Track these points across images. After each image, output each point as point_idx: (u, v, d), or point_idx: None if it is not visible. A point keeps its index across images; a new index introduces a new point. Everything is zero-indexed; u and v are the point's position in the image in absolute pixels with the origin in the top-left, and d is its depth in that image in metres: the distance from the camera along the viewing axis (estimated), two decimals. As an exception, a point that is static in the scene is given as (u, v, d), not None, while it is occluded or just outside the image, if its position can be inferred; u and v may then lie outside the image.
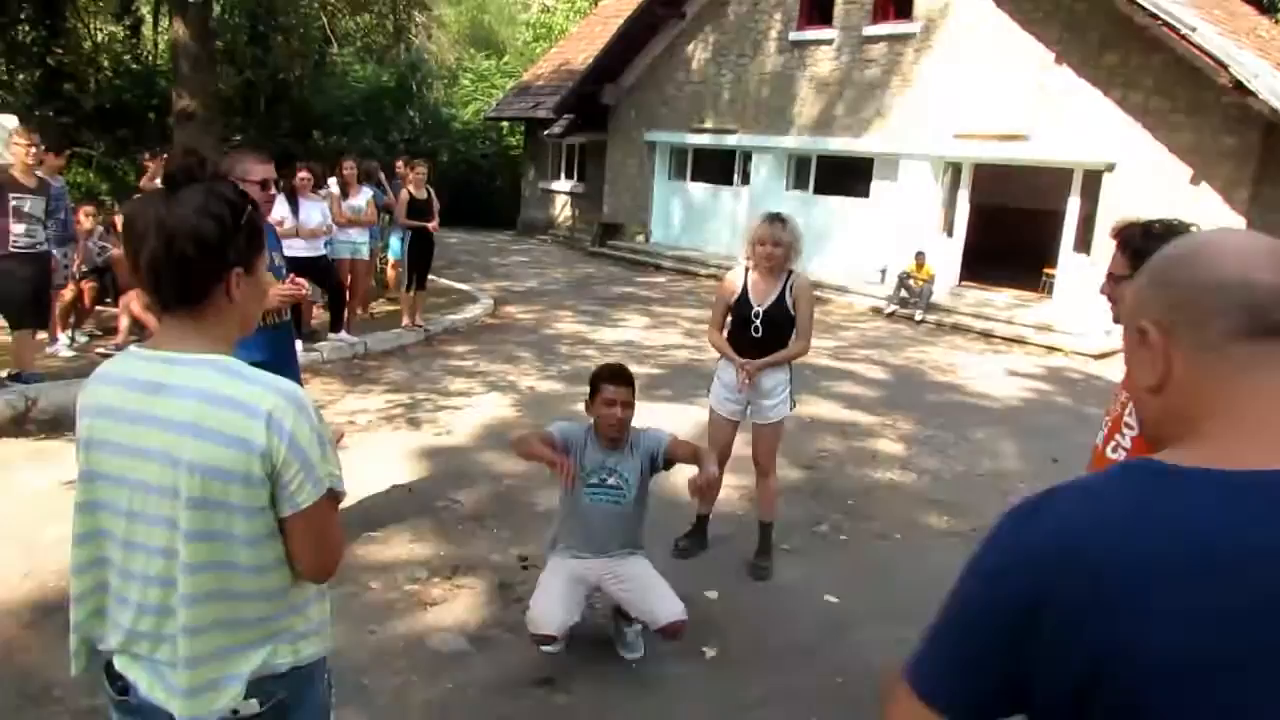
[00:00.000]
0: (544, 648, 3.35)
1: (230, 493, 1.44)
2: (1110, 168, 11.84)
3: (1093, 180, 12.20)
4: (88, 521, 1.54)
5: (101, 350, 7.50)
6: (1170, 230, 2.54)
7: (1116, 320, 2.67)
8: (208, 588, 1.47)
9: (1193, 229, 2.55)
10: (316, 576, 1.60)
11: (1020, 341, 11.78)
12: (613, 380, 3.44)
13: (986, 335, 12.14)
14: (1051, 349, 11.42)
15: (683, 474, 4.30)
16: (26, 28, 15.90)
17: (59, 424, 5.90)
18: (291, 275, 3.93)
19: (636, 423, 3.60)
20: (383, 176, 10.71)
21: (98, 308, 8.33)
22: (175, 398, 1.45)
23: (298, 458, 1.47)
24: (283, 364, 3.88)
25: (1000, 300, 13.33)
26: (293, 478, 1.47)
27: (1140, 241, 2.55)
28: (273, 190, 3.79)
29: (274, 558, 1.52)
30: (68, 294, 7.67)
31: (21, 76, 15.94)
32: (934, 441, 7.07)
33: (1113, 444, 2.66)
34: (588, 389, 3.57)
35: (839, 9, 14.94)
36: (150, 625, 1.51)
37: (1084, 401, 8.80)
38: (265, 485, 1.46)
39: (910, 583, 4.39)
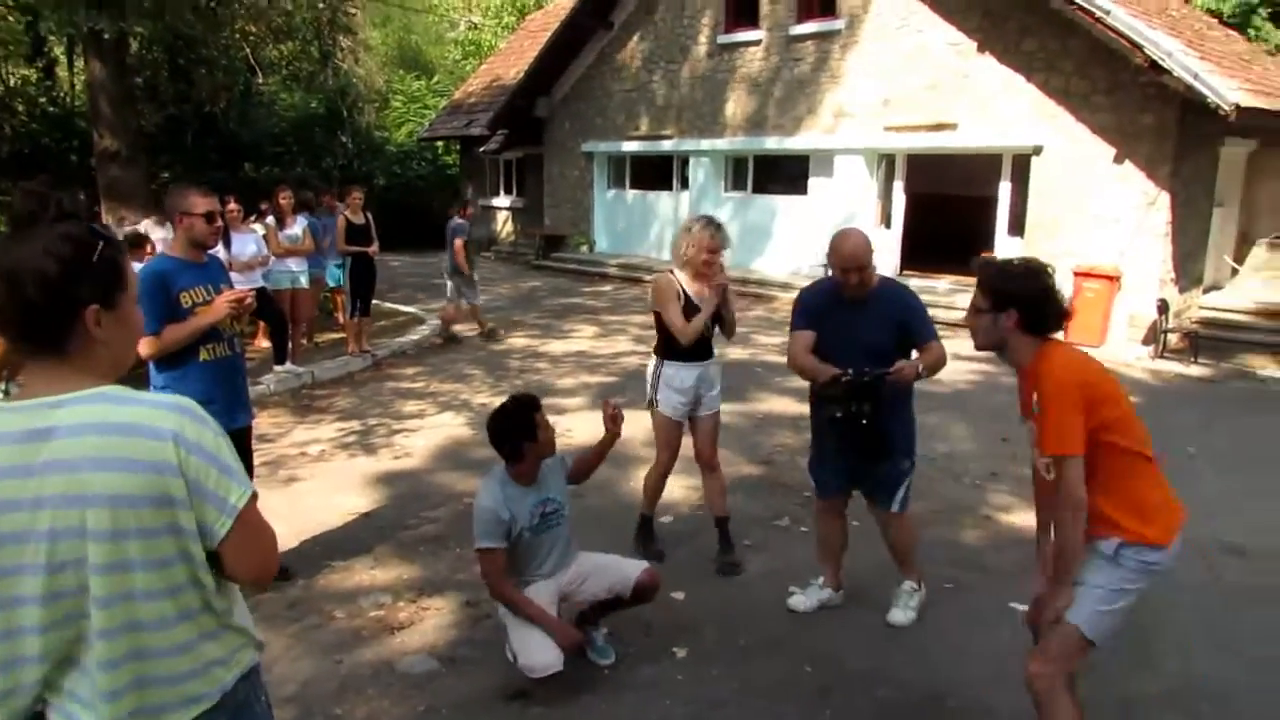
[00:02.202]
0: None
1: (143, 518, 1.41)
2: (1037, 151, 12.14)
3: (1022, 164, 12.50)
4: None
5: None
6: (1029, 270, 2.80)
7: (978, 348, 2.90)
8: (120, 619, 1.44)
9: (1049, 269, 2.80)
10: (261, 578, 1.59)
11: (964, 327, 11.99)
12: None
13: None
14: (993, 330, 11.65)
15: (636, 480, 4.33)
16: (-65, 75, 15.45)
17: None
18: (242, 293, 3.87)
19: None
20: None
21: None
22: (70, 437, 1.41)
23: (214, 464, 1.47)
24: (233, 398, 3.83)
25: (941, 287, 13.57)
26: (216, 484, 1.46)
27: (997, 280, 2.78)
28: (219, 222, 3.78)
29: (192, 605, 1.50)
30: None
31: (-68, 125, 15.48)
32: (886, 428, 7.17)
33: (1044, 464, 2.81)
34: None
35: (764, 10, 15.12)
36: (55, 673, 1.47)
37: (1028, 379, 9.00)
38: (189, 507, 1.44)
39: (870, 567, 4.46)
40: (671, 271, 4.56)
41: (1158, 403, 8.44)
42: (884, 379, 3.60)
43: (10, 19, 17.79)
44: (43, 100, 19.75)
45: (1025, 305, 2.72)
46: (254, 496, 1.53)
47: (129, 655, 1.45)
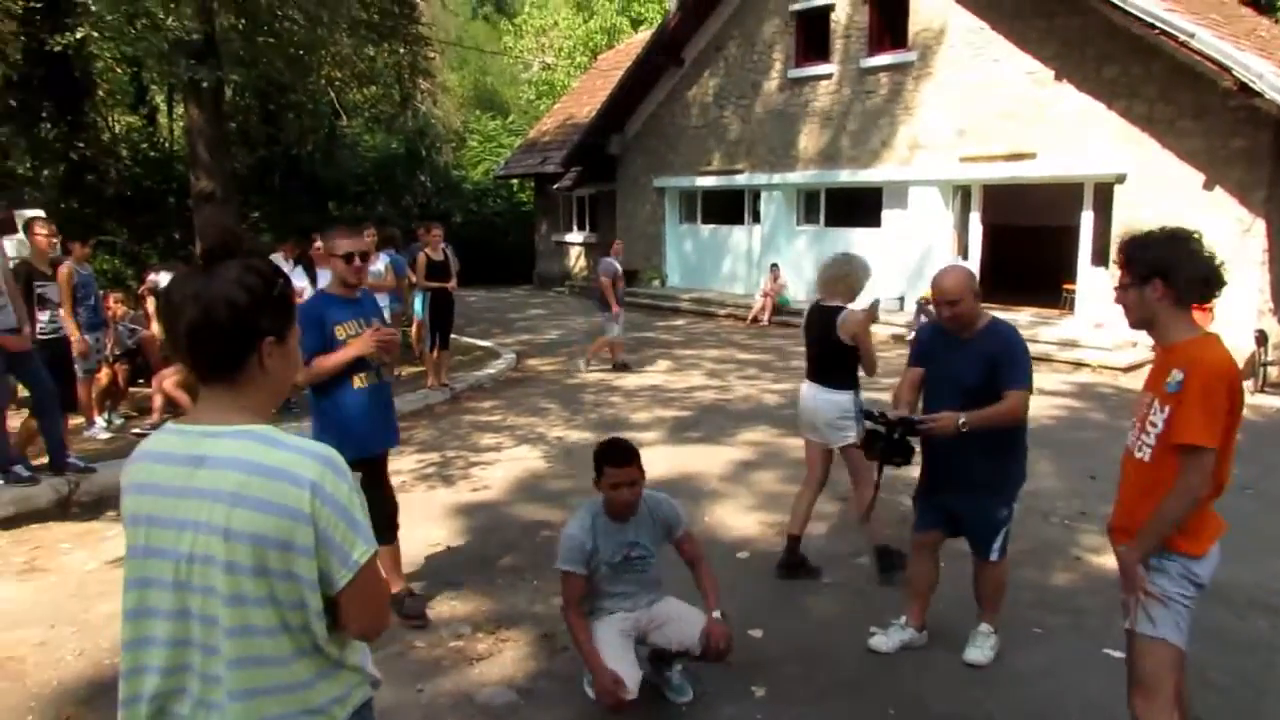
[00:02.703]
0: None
1: (268, 558, 1.47)
2: (1120, 179, 11.84)
3: (1104, 193, 12.20)
4: (136, 597, 1.56)
5: (137, 431, 7.62)
6: (1171, 237, 2.69)
7: (1131, 326, 2.78)
8: (245, 652, 1.50)
9: (1195, 234, 2.67)
10: (370, 633, 1.64)
11: (1045, 359, 11.68)
12: (614, 462, 3.33)
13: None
14: (1078, 365, 11.33)
15: (712, 515, 4.28)
16: (49, 125, 16.36)
17: (101, 505, 6.02)
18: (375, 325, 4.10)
19: (670, 465, 3.61)
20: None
21: (131, 389, 8.48)
22: (218, 469, 1.49)
23: (344, 518, 1.52)
24: (382, 422, 4.14)
25: (1022, 319, 13.25)
26: (344, 537, 1.52)
27: (1137, 251, 2.69)
28: (357, 262, 4.03)
29: (305, 645, 1.55)
30: (102, 377, 7.81)
31: (46, 172, 16.37)
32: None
33: (1139, 444, 2.73)
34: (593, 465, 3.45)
35: (836, 43, 15.14)
36: (173, 684, 1.54)
37: (1118, 416, 8.70)
38: (311, 556, 1.50)
39: (954, 608, 4.34)
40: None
41: (1259, 440, 8.06)
42: (915, 428, 3.68)
43: (118, 70, 18.85)
44: (144, 145, 20.77)
45: (1169, 273, 2.60)
46: (375, 554, 1.58)
47: (255, 690, 1.51)
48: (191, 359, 1.55)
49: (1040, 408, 9.06)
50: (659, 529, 3.47)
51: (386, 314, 9.33)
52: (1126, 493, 2.83)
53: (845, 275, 4.84)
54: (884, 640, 4.08)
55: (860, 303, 4.87)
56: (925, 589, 4.11)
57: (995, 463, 3.76)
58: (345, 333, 3.99)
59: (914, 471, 4.05)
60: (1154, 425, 2.67)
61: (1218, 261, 2.66)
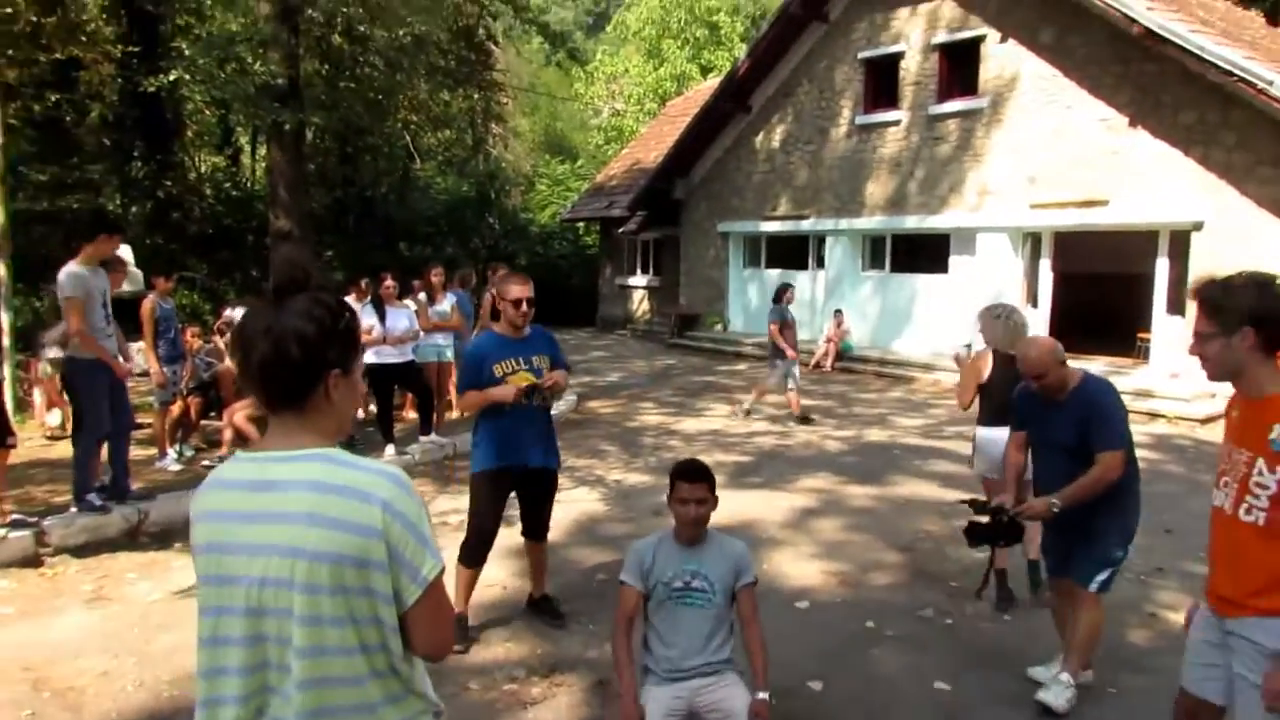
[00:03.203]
0: None
1: (345, 576, 1.50)
2: (1198, 227, 11.53)
3: (1180, 240, 11.89)
4: (210, 625, 1.59)
5: (207, 463, 7.82)
6: (1257, 282, 2.51)
7: (1211, 378, 2.63)
8: (319, 672, 1.51)
9: (1276, 280, 2.49)
10: (437, 652, 1.65)
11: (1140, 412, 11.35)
12: (686, 478, 3.32)
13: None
14: (1154, 415, 10.96)
15: (770, 563, 4.21)
16: (139, 164, 17.17)
17: (169, 536, 6.14)
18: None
19: (730, 511, 3.52)
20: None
21: (203, 422, 8.73)
22: (288, 491, 1.53)
23: (414, 535, 1.55)
24: (531, 442, 4.56)
25: (1094, 368, 12.77)
26: (414, 553, 1.54)
27: (1221, 297, 2.52)
28: (524, 307, 4.47)
29: (380, 666, 1.57)
30: (175, 409, 8.06)
31: (135, 209, 17.14)
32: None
33: (1244, 506, 2.52)
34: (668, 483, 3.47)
35: (905, 90, 15.11)
36: (276, 711, 1.56)
37: (1195, 469, 8.38)
38: (386, 571, 1.52)
39: (1023, 664, 4.19)
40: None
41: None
42: (1006, 515, 3.89)
43: (207, 112, 19.73)
44: (228, 185, 21.64)
45: (1262, 320, 2.43)
46: (443, 570, 1.60)
47: (323, 710, 1.53)
48: (262, 390, 1.60)
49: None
50: (728, 570, 3.32)
51: (449, 353, 9.56)
52: (1228, 558, 2.59)
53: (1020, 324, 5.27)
54: (1045, 671, 4.09)
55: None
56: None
57: (1104, 508, 3.82)
58: (503, 370, 4.47)
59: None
60: (1263, 487, 2.45)
61: None
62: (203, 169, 22.09)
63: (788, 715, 3.81)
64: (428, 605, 1.57)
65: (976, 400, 5.33)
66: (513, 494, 4.74)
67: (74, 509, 6.03)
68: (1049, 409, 3.93)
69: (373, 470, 1.56)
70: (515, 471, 4.57)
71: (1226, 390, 2.73)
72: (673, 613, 3.29)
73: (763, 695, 3.12)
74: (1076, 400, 3.84)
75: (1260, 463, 2.45)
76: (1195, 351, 2.60)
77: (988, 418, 5.19)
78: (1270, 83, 9.87)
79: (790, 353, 10.33)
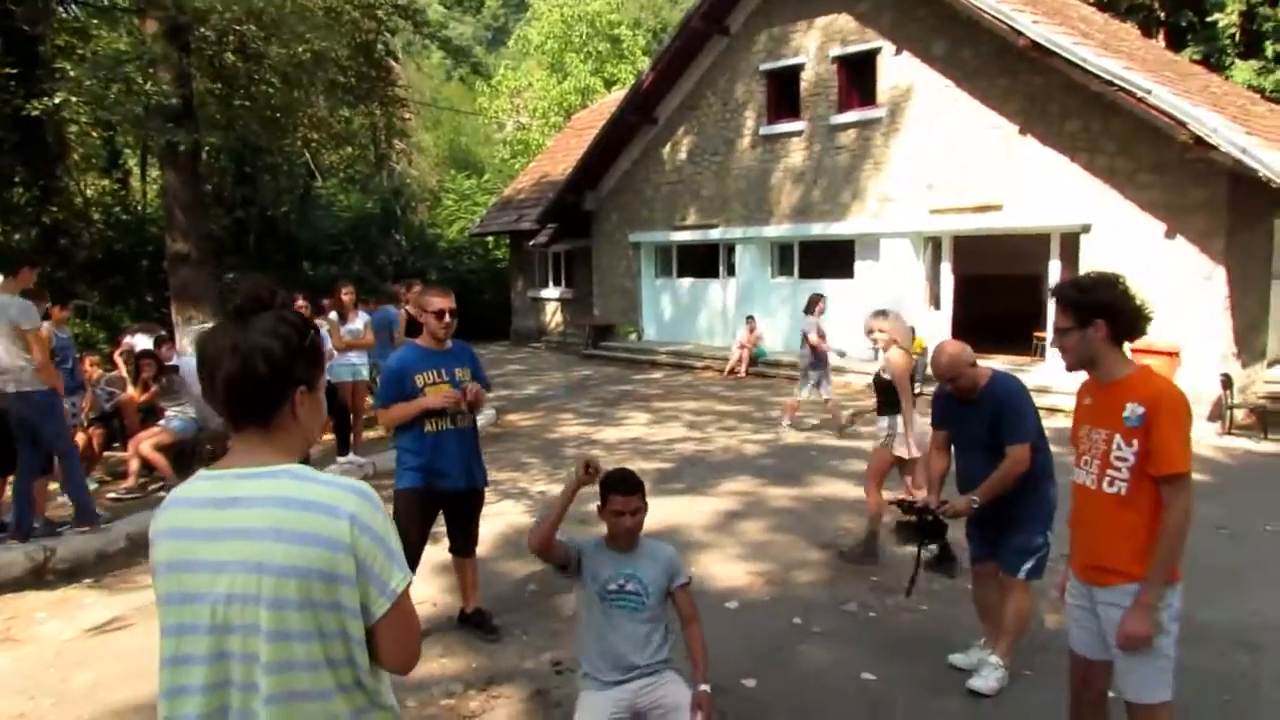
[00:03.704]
0: None
1: (313, 590, 1.50)
2: (1086, 229, 12.15)
3: (1070, 242, 12.50)
4: (172, 645, 1.57)
5: (113, 495, 7.49)
6: (1106, 280, 2.88)
7: (1069, 368, 2.96)
8: (286, 687, 1.51)
9: (1122, 277, 2.86)
10: (405, 665, 1.65)
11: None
12: (620, 490, 3.34)
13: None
14: (1053, 410, 11.45)
15: (699, 564, 4.27)
16: (21, 190, 16.33)
17: (77, 573, 5.90)
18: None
19: (655, 516, 3.56)
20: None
21: (106, 453, 8.36)
22: (252, 507, 1.52)
23: (381, 549, 1.56)
24: (457, 464, 4.52)
25: (995, 366, 13.45)
26: (381, 567, 1.55)
27: (1076, 294, 2.86)
28: (447, 319, 4.45)
29: (346, 680, 1.57)
30: (79, 441, 7.70)
31: (18, 236, 16.30)
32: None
33: (1107, 479, 2.83)
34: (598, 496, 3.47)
35: (806, 101, 15.52)
36: None
37: (1092, 458, 8.83)
38: (354, 585, 1.53)
39: (944, 651, 4.37)
40: None
41: (1231, 480, 8.20)
42: (935, 513, 4.09)
43: (92, 135, 18.90)
44: (117, 209, 20.75)
45: (1111, 313, 2.78)
46: (410, 583, 1.61)
47: None
48: (228, 407, 1.59)
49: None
50: (660, 573, 3.39)
51: (364, 372, 9.40)
52: (1094, 529, 2.89)
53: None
54: (964, 658, 4.29)
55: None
56: (993, 613, 4.27)
57: (1022, 498, 3.99)
58: (424, 380, 4.44)
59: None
60: (1122, 459, 2.76)
61: (1140, 300, 2.84)
62: (90, 193, 21.13)
63: (722, 713, 3.88)
64: (396, 618, 1.58)
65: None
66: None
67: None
68: (964, 408, 4.13)
69: (339, 485, 1.57)
70: (442, 494, 4.56)
71: None
72: (609, 615, 3.33)
73: (704, 687, 3.20)
74: (987, 398, 4.05)
75: (1117, 438, 2.77)
76: (1056, 344, 2.94)
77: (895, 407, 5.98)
78: (1148, 91, 10.47)
79: (828, 361, 10.47)
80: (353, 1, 16.11)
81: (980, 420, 4.02)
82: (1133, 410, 2.71)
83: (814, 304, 10.81)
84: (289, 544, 1.49)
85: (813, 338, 10.36)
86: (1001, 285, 15.61)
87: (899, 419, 5.97)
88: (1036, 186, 12.53)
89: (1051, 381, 12.01)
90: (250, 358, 1.55)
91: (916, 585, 4.50)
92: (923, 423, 5.41)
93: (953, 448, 4.32)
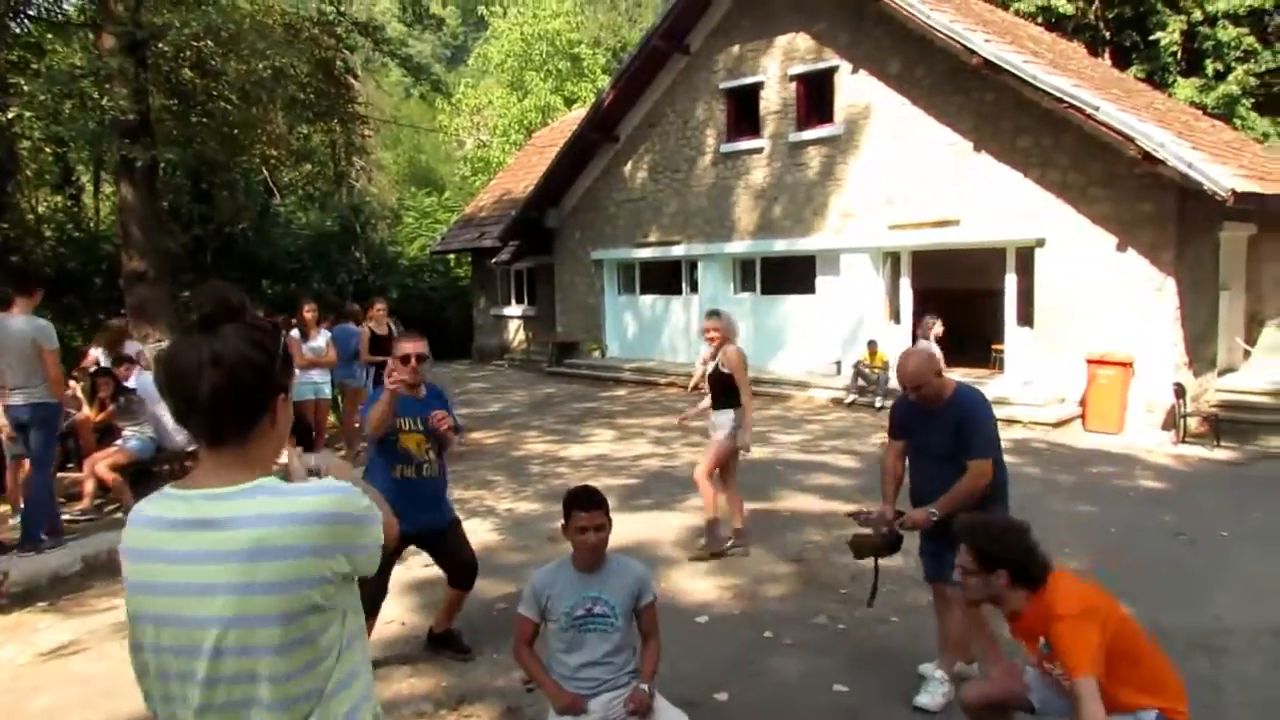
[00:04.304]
0: None
1: (312, 598, 1.50)
2: (1040, 243, 12.40)
3: (1025, 256, 12.75)
4: (141, 660, 1.57)
5: (68, 517, 7.31)
6: (1014, 529, 3.11)
7: (970, 604, 3.33)
8: (289, 695, 1.51)
9: (1025, 525, 3.11)
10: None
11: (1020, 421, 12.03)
12: (582, 506, 3.37)
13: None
14: (1011, 421, 11.65)
15: (668, 580, 4.29)
16: (-32, 206, 16.01)
17: (30, 596, 5.76)
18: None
19: (623, 533, 3.58)
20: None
21: (60, 474, 8.15)
22: (234, 529, 1.49)
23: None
24: (417, 510, 4.29)
25: (954, 575, 13.61)
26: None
27: (986, 543, 3.06)
28: (413, 363, 4.47)
29: (342, 675, 1.60)
30: (28, 463, 7.51)
31: (-32, 252, 15.93)
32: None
33: (1067, 686, 2.94)
34: (562, 511, 3.49)
35: (766, 119, 15.70)
36: None
37: (1050, 469, 8.99)
38: (351, 579, 1.59)
39: (914, 661, 4.40)
40: None
41: (1185, 488, 8.39)
42: (891, 524, 4.06)
43: (45, 150, 18.56)
44: (69, 225, 20.37)
45: (1014, 564, 3.01)
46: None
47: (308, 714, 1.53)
48: (212, 423, 1.54)
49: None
50: (628, 593, 3.39)
51: (326, 390, 9.30)
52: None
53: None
54: (931, 667, 4.25)
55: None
56: (949, 636, 4.26)
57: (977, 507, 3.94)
58: (401, 427, 4.43)
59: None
60: (1064, 677, 2.93)
61: (1041, 554, 3.06)
62: (41, 210, 20.72)
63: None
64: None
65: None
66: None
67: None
68: (926, 418, 4.08)
69: (314, 491, 1.56)
70: (409, 536, 4.45)
71: (1075, 395, 3.20)
72: (577, 638, 3.35)
73: (644, 686, 3.28)
74: (951, 409, 4.00)
75: (1047, 665, 3.07)
76: (960, 580, 3.16)
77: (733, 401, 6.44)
78: (1096, 108, 10.74)
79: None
80: (311, 18, 16.07)
81: (942, 431, 3.98)
82: (1042, 645, 2.99)
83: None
84: (277, 560, 1.47)
85: None
86: (959, 299, 15.85)
87: (738, 412, 6.37)
88: (991, 202, 12.77)
89: (1009, 393, 12.22)
90: (236, 369, 1.52)
91: (878, 596, 4.44)
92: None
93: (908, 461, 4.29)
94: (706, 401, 6.75)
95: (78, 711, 4.01)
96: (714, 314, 6.63)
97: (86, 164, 21.28)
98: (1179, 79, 20.06)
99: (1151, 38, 20.29)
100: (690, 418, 7.31)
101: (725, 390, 6.43)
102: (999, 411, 11.82)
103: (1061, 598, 2.97)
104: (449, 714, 4.05)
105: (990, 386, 12.82)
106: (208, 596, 1.48)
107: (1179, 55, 20.11)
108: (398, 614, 5.33)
